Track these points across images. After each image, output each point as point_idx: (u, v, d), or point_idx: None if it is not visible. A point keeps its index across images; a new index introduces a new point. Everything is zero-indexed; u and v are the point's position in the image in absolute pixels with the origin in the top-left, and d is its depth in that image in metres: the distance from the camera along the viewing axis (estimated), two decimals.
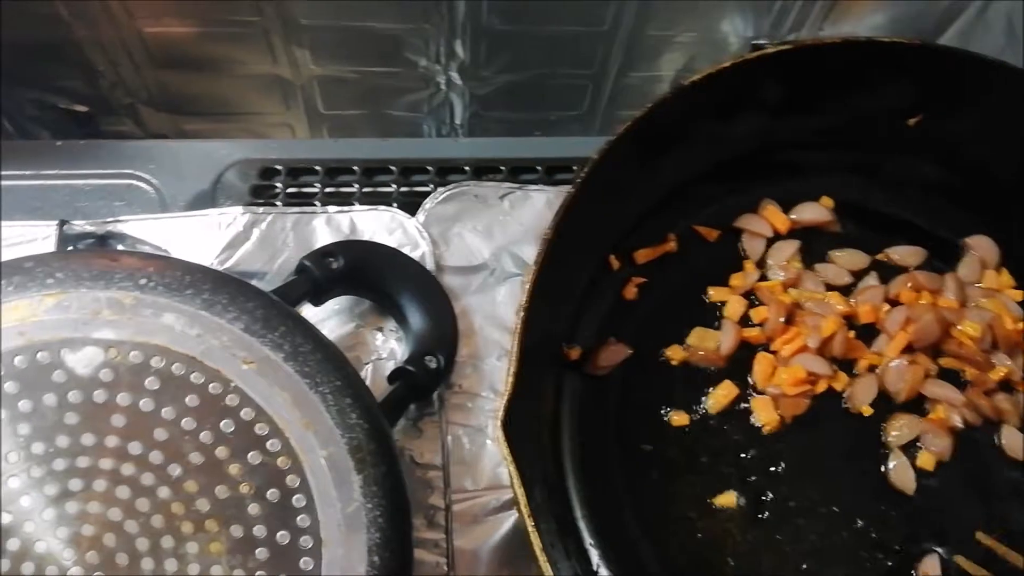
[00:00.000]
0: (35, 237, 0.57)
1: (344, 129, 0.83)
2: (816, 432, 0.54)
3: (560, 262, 0.48)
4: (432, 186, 0.66)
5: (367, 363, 0.57)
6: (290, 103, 0.79)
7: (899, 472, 0.53)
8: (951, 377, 0.56)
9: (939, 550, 0.51)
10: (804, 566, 0.51)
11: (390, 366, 0.56)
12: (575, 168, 0.66)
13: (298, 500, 0.40)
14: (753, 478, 0.53)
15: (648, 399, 0.55)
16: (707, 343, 0.56)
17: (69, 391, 0.39)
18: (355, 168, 0.67)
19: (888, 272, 0.59)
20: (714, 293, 0.58)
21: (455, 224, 0.62)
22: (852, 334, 0.56)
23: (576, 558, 0.51)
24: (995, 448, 0.54)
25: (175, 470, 0.39)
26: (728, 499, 0.52)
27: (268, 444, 0.41)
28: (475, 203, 0.63)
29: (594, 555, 0.51)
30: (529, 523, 0.41)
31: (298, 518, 0.40)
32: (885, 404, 0.55)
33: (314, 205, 0.64)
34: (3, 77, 0.70)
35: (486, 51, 0.75)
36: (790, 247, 0.59)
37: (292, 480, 0.40)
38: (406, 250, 0.60)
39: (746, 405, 0.55)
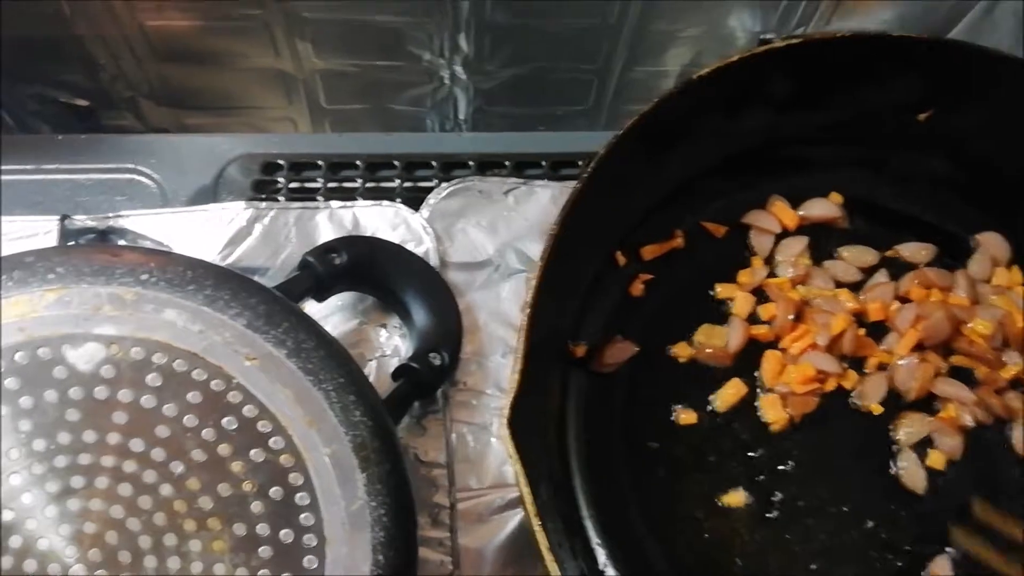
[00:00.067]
0: (36, 232, 0.57)
1: (347, 124, 0.82)
2: (825, 431, 0.54)
3: (566, 258, 0.48)
4: (436, 181, 0.65)
5: (371, 360, 0.57)
6: (292, 97, 0.79)
7: (909, 471, 0.53)
8: (962, 375, 0.55)
9: (950, 550, 0.51)
10: (813, 566, 0.50)
11: (394, 363, 0.56)
12: (580, 163, 0.66)
13: (301, 498, 0.40)
14: (761, 477, 0.53)
15: (655, 397, 0.55)
16: (715, 340, 0.56)
17: (70, 387, 0.38)
18: (358, 163, 0.66)
19: (898, 269, 0.59)
20: (722, 290, 0.58)
21: (459, 220, 0.62)
22: (862, 332, 0.56)
23: (582, 557, 0.50)
24: (1006, 447, 0.54)
25: (177, 467, 0.39)
26: (736, 498, 0.52)
27: (271, 442, 0.40)
28: (479, 198, 0.63)
29: (600, 554, 0.51)
30: (535, 522, 0.41)
31: (301, 516, 0.40)
32: (895, 403, 0.55)
33: (317, 200, 0.63)
34: (4, 71, 0.70)
35: (490, 45, 0.74)
36: (799, 243, 0.59)
37: (295, 478, 0.40)
38: (410, 246, 0.59)
39: (754, 403, 0.55)
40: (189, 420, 0.39)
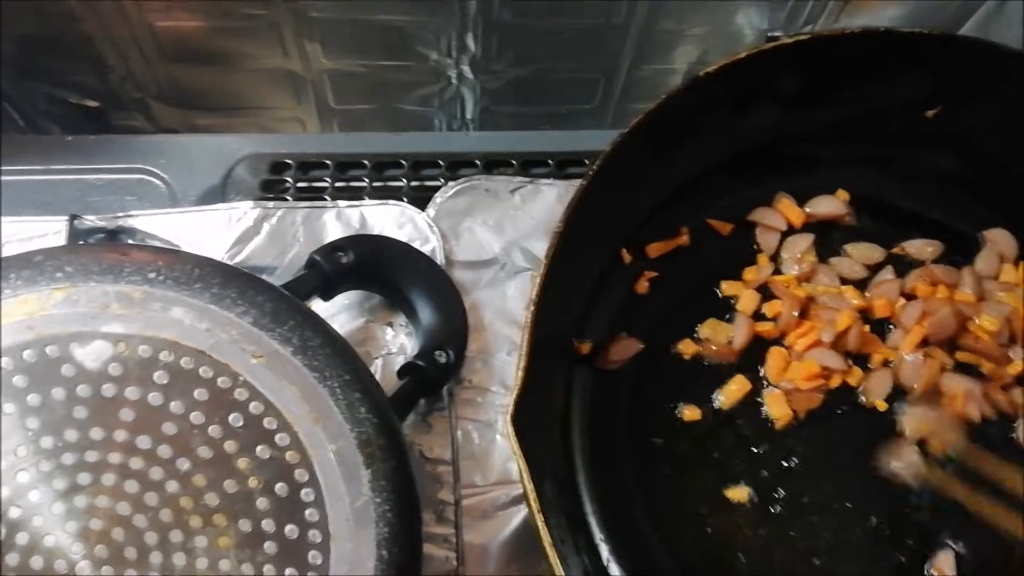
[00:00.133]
0: (46, 232, 0.58)
1: (355, 124, 0.83)
2: (830, 427, 0.54)
3: (571, 255, 0.48)
4: (442, 180, 0.65)
5: (377, 358, 0.57)
6: (301, 97, 0.79)
7: (913, 467, 0.53)
8: (967, 372, 0.55)
9: (954, 546, 0.51)
10: (817, 562, 0.50)
11: (400, 361, 0.56)
12: (587, 161, 0.66)
13: (307, 494, 0.40)
14: (765, 473, 0.53)
15: (659, 394, 0.55)
16: (719, 336, 0.56)
17: (78, 385, 0.39)
18: (365, 162, 0.67)
19: (904, 266, 0.58)
20: (727, 287, 0.58)
21: (465, 218, 0.62)
22: (867, 328, 0.56)
23: (586, 553, 0.51)
24: (1011, 443, 0.54)
25: (184, 464, 0.39)
26: (740, 494, 0.52)
27: (277, 438, 0.40)
28: (485, 197, 0.63)
29: (604, 550, 0.51)
30: (539, 518, 0.41)
31: (307, 512, 0.40)
32: (899, 399, 0.54)
33: (324, 200, 0.64)
34: (14, 72, 0.70)
35: (497, 45, 0.74)
36: (804, 241, 0.59)
37: (301, 474, 0.40)
38: (416, 244, 0.60)
39: (759, 400, 0.54)
40: (196, 417, 0.40)
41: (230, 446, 0.40)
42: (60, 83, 0.73)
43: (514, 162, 0.67)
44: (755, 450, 0.53)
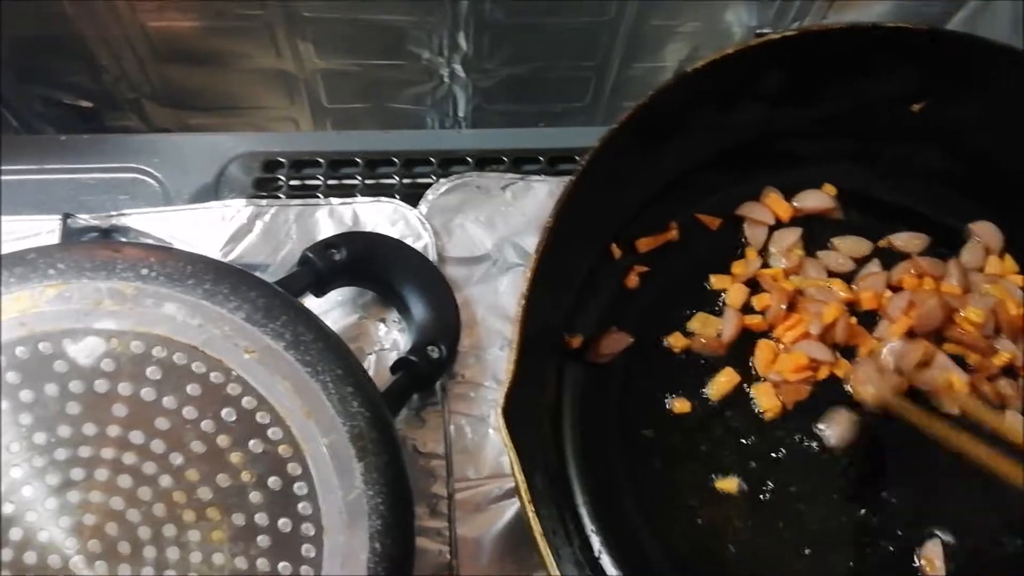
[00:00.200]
0: (39, 231, 0.58)
1: (348, 122, 0.83)
2: (817, 418, 0.54)
3: (561, 250, 0.48)
4: (434, 177, 0.66)
5: (370, 354, 0.58)
6: (294, 97, 0.79)
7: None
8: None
9: (941, 535, 0.51)
10: (806, 551, 0.51)
11: (393, 357, 0.56)
12: (577, 158, 0.66)
13: (299, 488, 0.40)
14: (754, 464, 0.53)
15: (649, 387, 0.55)
16: (709, 330, 0.56)
17: (71, 381, 0.39)
18: (358, 160, 0.67)
19: (891, 259, 0.59)
20: (716, 281, 0.58)
21: (457, 215, 0.63)
22: (854, 321, 0.56)
23: (577, 545, 0.51)
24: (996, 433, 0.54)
25: (177, 459, 0.39)
26: (729, 485, 0.52)
27: (269, 432, 0.41)
28: (477, 194, 0.63)
29: (595, 542, 0.51)
30: (529, 508, 0.41)
31: (299, 506, 0.40)
32: None
33: (317, 197, 0.64)
34: (8, 73, 0.71)
35: (489, 43, 0.75)
36: (792, 235, 0.59)
37: (293, 468, 0.41)
38: (408, 241, 0.60)
39: (748, 392, 0.55)
40: (188, 412, 0.40)
41: (223, 441, 0.40)
42: (54, 84, 0.74)
43: (505, 159, 0.67)
44: (744, 442, 0.54)
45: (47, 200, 0.62)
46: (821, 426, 0.54)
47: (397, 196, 0.63)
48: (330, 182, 0.66)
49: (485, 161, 0.67)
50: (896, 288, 0.57)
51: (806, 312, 0.56)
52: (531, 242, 0.60)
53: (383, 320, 0.59)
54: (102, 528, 0.38)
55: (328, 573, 0.40)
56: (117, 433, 0.39)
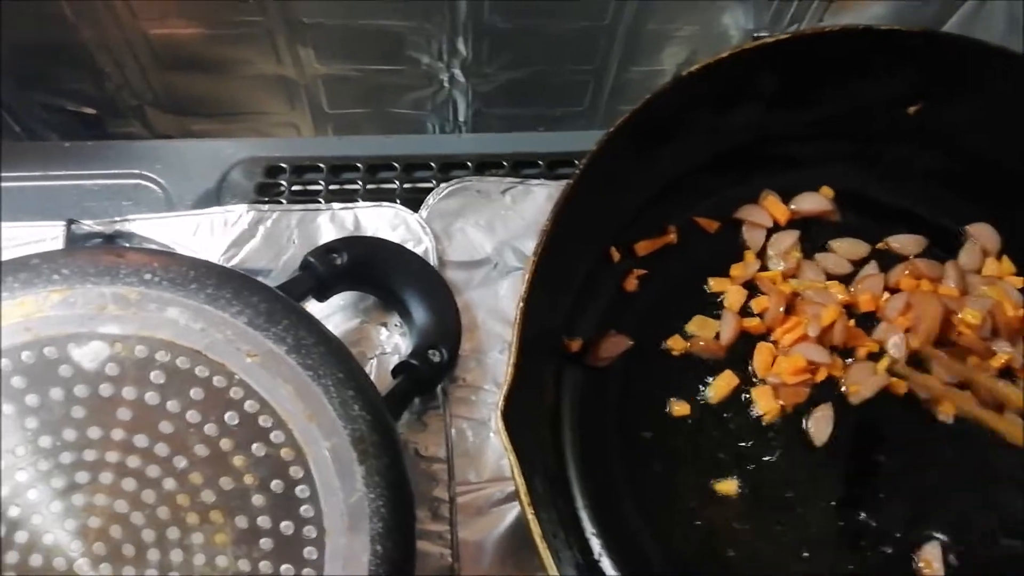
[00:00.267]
0: (43, 237, 0.58)
1: (348, 127, 0.83)
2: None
3: (559, 253, 0.49)
4: (434, 182, 0.66)
5: (371, 358, 0.58)
6: (295, 103, 0.80)
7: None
8: None
9: (940, 537, 0.51)
10: (805, 554, 0.51)
11: (394, 361, 0.56)
12: (576, 162, 0.66)
13: (302, 491, 0.41)
14: (753, 467, 0.53)
15: (649, 390, 0.55)
16: (707, 332, 0.57)
17: (75, 385, 0.39)
18: (359, 165, 0.68)
19: (888, 261, 0.59)
20: (714, 284, 0.59)
21: (457, 219, 0.63)
22: (852, 323, 0.57)
23: (577, 548, 0.51)
24: (995, 434, 0.54)
25: (180, 462, 0.39)
26: (729, 488, 0.52)
27: (272, 436, 0.41)
28: (477, 198, 0.64)
29: (596, 545, 0.52)
30: (529, 511, 0.42)
31: (302, 508, 0.40)
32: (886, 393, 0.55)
33: (318, 202, 0.64)
34: (11, 81, 0.71)
35: (488, 48, 0.75)
36: (790, 237, 0.60)
37: (296, 471, 0.41)
38: (409, 246, 0.60)
39: (747, 395, 0.55)
40: (192, 416, 0.40)
41: (226, 444, 0.40)
42: (57, 91, 0.74)
43: (505, 163, 0.68)
44: (743, 444, 0.54)
45: (51, 206, 0.62)
46: (807, 425, 0.54)
47: (398, 201, 0.64)
48: (331, 187, 0.66)
49: (485, 165, 0.68)
50: (894, 290, 0.58)
51: (804, 314, 0.56)
52: (531, 246, 0.59)
53: (384, 324, 0.59)
54: (106, 531, 0.38)
55: (330, 575, 0.40)
56: (121, 437, 0.39)
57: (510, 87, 0.80)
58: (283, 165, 0.67)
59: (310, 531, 0.40)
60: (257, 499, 0.40)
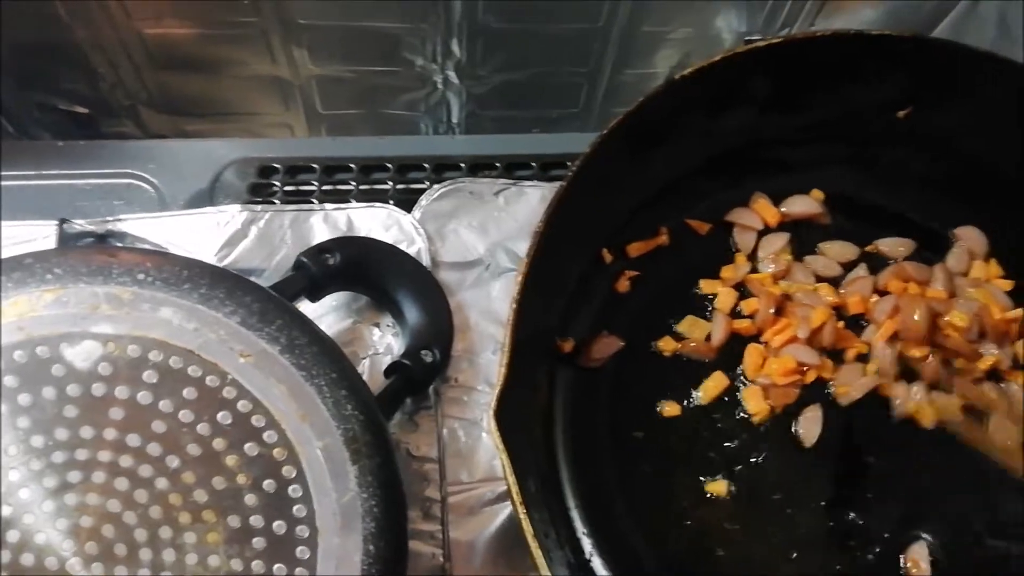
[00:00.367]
0: (35, 237, 0.58)
1: (342, 128, 0.83)
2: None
3: (552, 255, 0.49)
4: (428, 183, 0.66)
5: (364, 358, 0.58)
6: (289, 103, 0.80)
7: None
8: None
9: (927, 538, 0.52)
10: (794, 555, 0.51)
11: (387, 361, 0.57)
12: (569, 164, 0.67)
13: (294, 490, 0.41)
14: (743, 467, 0.53)
15: (640, 390, 0.56)
16: (698, 333, 0.57)
17: (68, 385, 0.39)
18: (352, 166, 0.68)
19: (877, 264, 0.60)
20: (705, 285, 0.59)
21: (451, 220, 0.63)
22: (841, 325, 0.57)
23: (569, 547, 0.51)
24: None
25: (173, 462, 0.40)
26: (719, 488, 0.53)
27: (265, 436, 0.41)
28: (470, 199, 0.64)
29: (587, 544, 0.52)
30: (521, 511, 0.42)
31: (294, 508, 0.41)
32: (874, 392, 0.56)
33: (312, 203, 0.64)
34: (4, 79, 0.71)
35: (482, 50, 0.75)
36: (780, 240, 0.60)
37: (288, 471, 0.41)
38: (402, 246, 0.61)
39: (737, 395, 0.56)
40: (185, 415, 0.40)
41: (219, 443, 0.40)
42: (50, 90, 0.74)
43: (498, 165, 0.68)
44: (733, 444, 0.54)
45: (44, 205, 0.62)
46: (797, 426, 0.54)
47: (391, 201, 0.64)
48: (324, 188, 0.67)
49: (478, 167, 0.68)
50: (882, 292, 0.58)
51: (794, 316, 0.56)
52: (524, 247, 0.60)
53: (377, 324, 0.59)
54: (99, 530, 0.38)
55: (322, 575, 0.40)
56: (114, 436, 0.39)
57: (504, 89, 0.80)
58: (276, 165, 0.67)
59: (303, 530, 0.41)
60: (250, 498, 0.40)
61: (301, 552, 0.40)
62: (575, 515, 0.52)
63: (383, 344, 0.59)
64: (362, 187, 0.67)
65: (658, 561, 0.51)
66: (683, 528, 0.52)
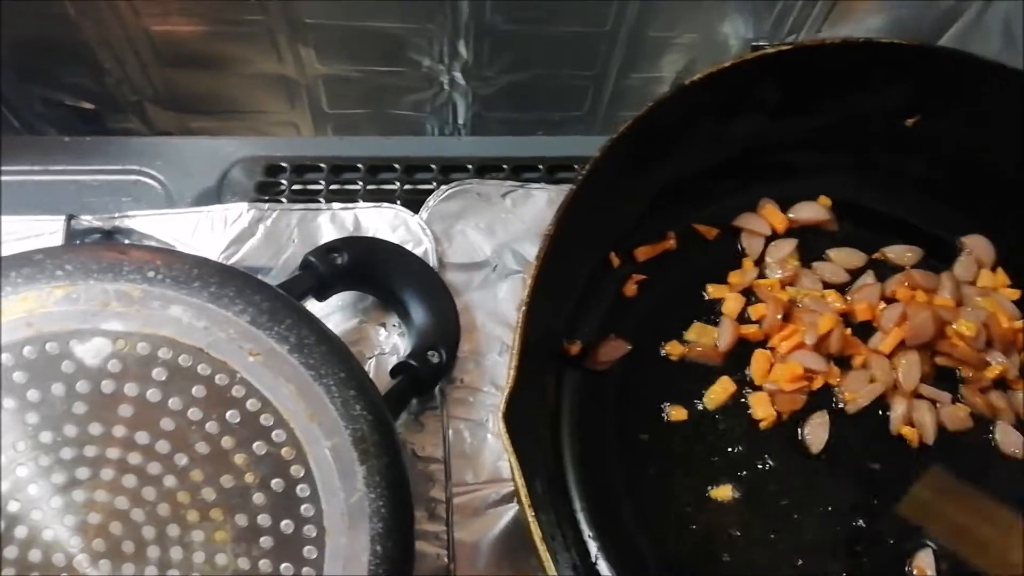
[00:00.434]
0: (42, 232, 0.58)
1: (348, 128, 0.83)
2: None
3: (561, 258, 0.49)
4: (435, 184, 0.66)
5: (370, 358, 0.58)
6: (295, 102, 0.80)
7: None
8: (947, 374, 0.57)
9: (933, 545, 0.52)
10: (799, 561, 0.51)
11: (393, 361, 0.56)
12: (576, 167, 0.67)
13: (302, 490, 0.41)
14: (750, 473, 0.53)
15: (647, 394, 0.56)
16: (705, 339, 0.57)
17: (77, 381, 0.39)
18: (359, 166, 0.68)
19: (885, 271, 0.60)
20: (713, 290, 0.59)
21: (458, 221, 0.63)
22: (848, 331, 0.57)
23: (575, 549, 0.51)
24: (989, 445, 0.55)
25: (181, 459, 0.40)
26: (724, 493, 0.53)
27: (273, 434, 0.41)
28: (477, 201, 0.64)
29: (592, 547, 0.52)
30: (529, 513, 0.42)
31: (302, 507, 0.40)
32: (881, 399, 0.56)
33: (319, 202, 0.64)
34: (11, 75, 0.71)
35: (489, 51, 0.75)
36: (788, 245, 0.60)
37: (296, 470, 0.41)
38: (409, 247, 0.60)
39: (743, 401, 0.56)
40: (193, 413, 0.40)
41: (227, 442, 0.40)
42: (56, 86, 0.74)
43: (505, 167, 0.68)
44: (739, 450, 0.54)
45: (50, 201, 0.62)
46: (804, 432, 0.55)
47: (398, 202, 0.64)
48: (332, 187, 0.67)
49: (485, 168, 0.68)
50: (890, 300, 0.58)
51: (801, 322, 0.56)
52: (530, 249, 0.61)
53: (383, 324, 0.59)
54: (106, 527, 0.38)
55: (329, 574, 0.40)
56: (122, 433, 0.39)
57: (510, 90, 0.80)
58: (284, 164, 0.67)
59: (310, 530, 0.40)
60: (257, 497, 0.40)
61: (308, 552, 0.40)
62: (581, 517, 0.52)
63: (389, 344, 0.59)
64: (369, 187, 0.67)
65: (663, 565, 0.51)
66: (689, 532, 0.52)
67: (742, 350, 0.57)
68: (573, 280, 0.57)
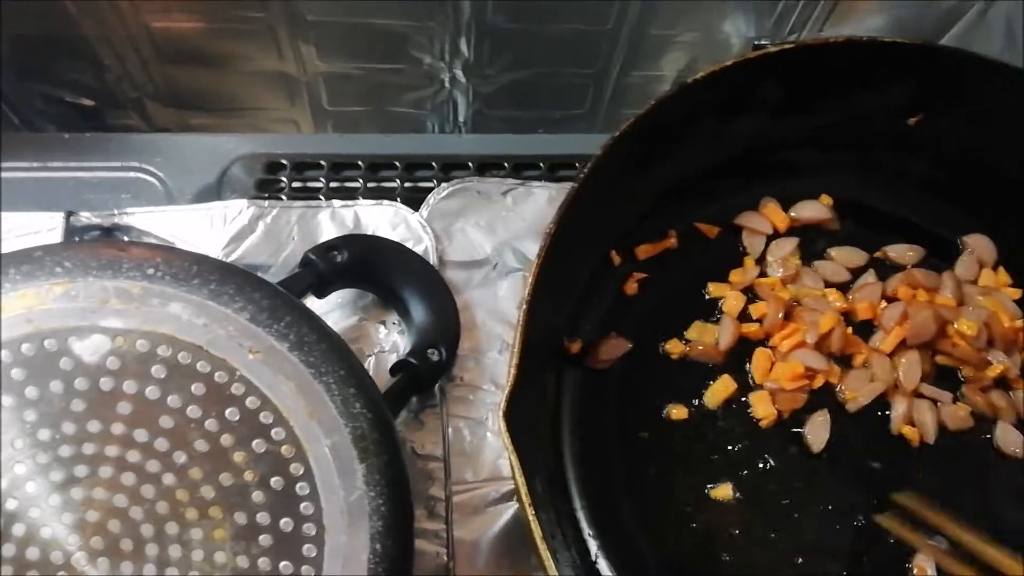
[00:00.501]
0: (41, 228, 0.58)
1: (348, 125, 0.83)
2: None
3: (562, 256, 0.49)
4: (435, 182, 0.66)
5: (370, 356, 0.58)
6: (295, 99, 0.80)
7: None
8: (948, 373, 0.57)
9: (933, 543, 0.52)
10: (799, 560, 0.51)
11: (392, 359, 0.56)
12: (577, 165, 0.67)
13: (302, 488, 0.41)
14: (750, 472, 0.53)
15: (647, 393, 0.56)
16: (706, 337, 0.57)
17: (76, 378, 0.39)
18: (360, 163, 0.67)
19: (886, 270, 0.60)
20: (714, 289, 0.59)
21: (458, 219, 0.63)
22: (850, 330, 0.57)
23: (575, 548, 0.51)
24: (990, 444, 0.55)
25: (180, 457, 0.39)
26: (725, 492, 0.53)
27: (273, 432, 0.41)
28: (478, 199, 0.64)
29: (592, 545, 0.52)
30: (529, 511, 0.42)
31: (301, 506, 0.40)
32: (881, 398, 0.56)
33: (319, 199, 0.64)
34: (11, 71, 0.71)
35: (490, 49, 0.75)
36: (789, 244, 0.60)
37: (296, 468, 0.41)
38: (409, 244, 0.60)
39: (744, 399, 0.56)
40: (193, 411, 0.40)
41: (226, 440, 0.40)
42: (56, 82, 0.74)
43: (506, 165, 0.68)
44: (740, 449, 0.54)
45: (49, 197, 0.62)
46: (804, 431, 0.54)
47: (398, 199, 0.64)
48: (332, 184, 0.66)
49: (486, 166, 0.68)
50: (891, 299, 0.58)
51: (802, 321, 0.56)
52: (531, 247, 0.61)
53: (383, 322, 0.59)
54: (105, 525, 0.38)
55: (329, 573, 0.40)
56: (121, 431, 0.39)
57: (511, 88, 0.80)
58: (284, 161, 0.67)
59: (309, 528, 0.40)
60: (257, 495, 0.40)
61: (308, 550, 0.40)
62: (581, 516, 0.52)
63: (389, 342, 0.59)
64: (369, 184, 0.67)
65: (663, 563, 0.51)
66: (689, 531, 0.52)
67: (743, 349, 0.57)
68: (574, 278, 0.57)
